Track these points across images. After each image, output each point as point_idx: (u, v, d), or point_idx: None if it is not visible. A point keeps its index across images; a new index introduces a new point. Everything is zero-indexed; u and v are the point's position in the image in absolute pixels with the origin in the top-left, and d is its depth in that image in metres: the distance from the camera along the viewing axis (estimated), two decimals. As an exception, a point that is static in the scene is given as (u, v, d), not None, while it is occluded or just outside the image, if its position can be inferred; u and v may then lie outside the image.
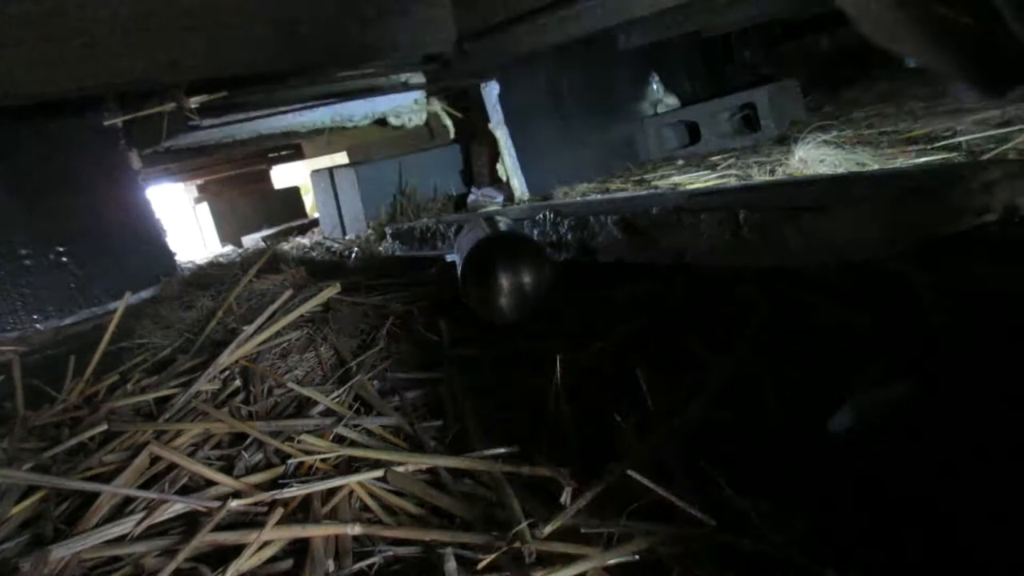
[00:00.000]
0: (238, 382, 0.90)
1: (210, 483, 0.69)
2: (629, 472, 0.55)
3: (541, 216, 1.25)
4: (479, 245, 1.01)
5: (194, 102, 1.80)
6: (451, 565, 0.53)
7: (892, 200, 0.90)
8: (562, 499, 0.55)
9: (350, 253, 1.89)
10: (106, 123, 1.80)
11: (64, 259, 1.69)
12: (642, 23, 2.16)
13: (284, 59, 1.80)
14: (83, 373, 0.98)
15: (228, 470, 0.71)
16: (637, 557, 0.51)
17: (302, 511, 0.64)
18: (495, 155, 2.30)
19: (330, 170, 2.41)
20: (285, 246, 2.09)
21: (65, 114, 1.74)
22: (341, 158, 3.13)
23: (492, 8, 1.90)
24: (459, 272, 1.01)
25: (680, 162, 2.32)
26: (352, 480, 0.65)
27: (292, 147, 3.00)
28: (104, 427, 0.79)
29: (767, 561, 0.48)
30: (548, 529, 0.53)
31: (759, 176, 1.67)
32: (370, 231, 2.11)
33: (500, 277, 0.97)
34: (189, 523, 0.64)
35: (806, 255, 0.87)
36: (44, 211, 1.68)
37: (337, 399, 0.84)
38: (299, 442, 0.73)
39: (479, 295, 1.01)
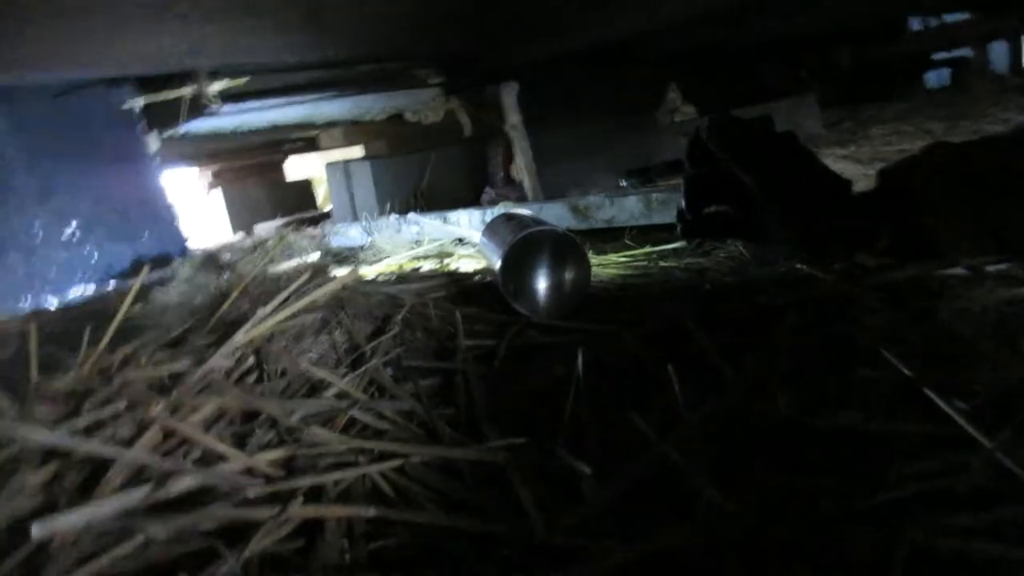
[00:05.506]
0: (252, 361, 0.90)
1: (222, 458, 0.68)
2: (654, 457, 0.55)
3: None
4: (525, 238, 1.02)
5: (215, 88, 1.81)
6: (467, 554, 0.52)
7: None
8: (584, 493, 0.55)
9: (364, 242, 1.89)
10: (124, 106, 1.81)
11: (78, 236, 1.69)
12: (662, 33, 2.17)
13: (307, 49, 1.81)
14: (97, 345, 0.98)
15: (240, 447, 0.70)
16: (654, 551, 0.51)
17: (314, 490, 0.63)
18: (511, 156, 2.30)
19: (345, 163, 2.42)
20: (298, 235, 2.09)
21: (85, 94, 1.75)
22: (356, 151, 3.14)
23: (514, 11, 1.91)
24: (498, 263, 1.02)
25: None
26: (370, 469, 0.65)
27: (307, 139, 3.01)
28: (118, 398, 0.79)
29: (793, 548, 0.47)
30: (564, 523, 0.52)
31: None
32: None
33: (545, 272, 0.99)
34: (201, 498, 0.64)
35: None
36: (60, 188, 1.69)
37: (351, 382, 0.84)
38: (311, 425, 0.73)
39: (520, 288, 1.01)
